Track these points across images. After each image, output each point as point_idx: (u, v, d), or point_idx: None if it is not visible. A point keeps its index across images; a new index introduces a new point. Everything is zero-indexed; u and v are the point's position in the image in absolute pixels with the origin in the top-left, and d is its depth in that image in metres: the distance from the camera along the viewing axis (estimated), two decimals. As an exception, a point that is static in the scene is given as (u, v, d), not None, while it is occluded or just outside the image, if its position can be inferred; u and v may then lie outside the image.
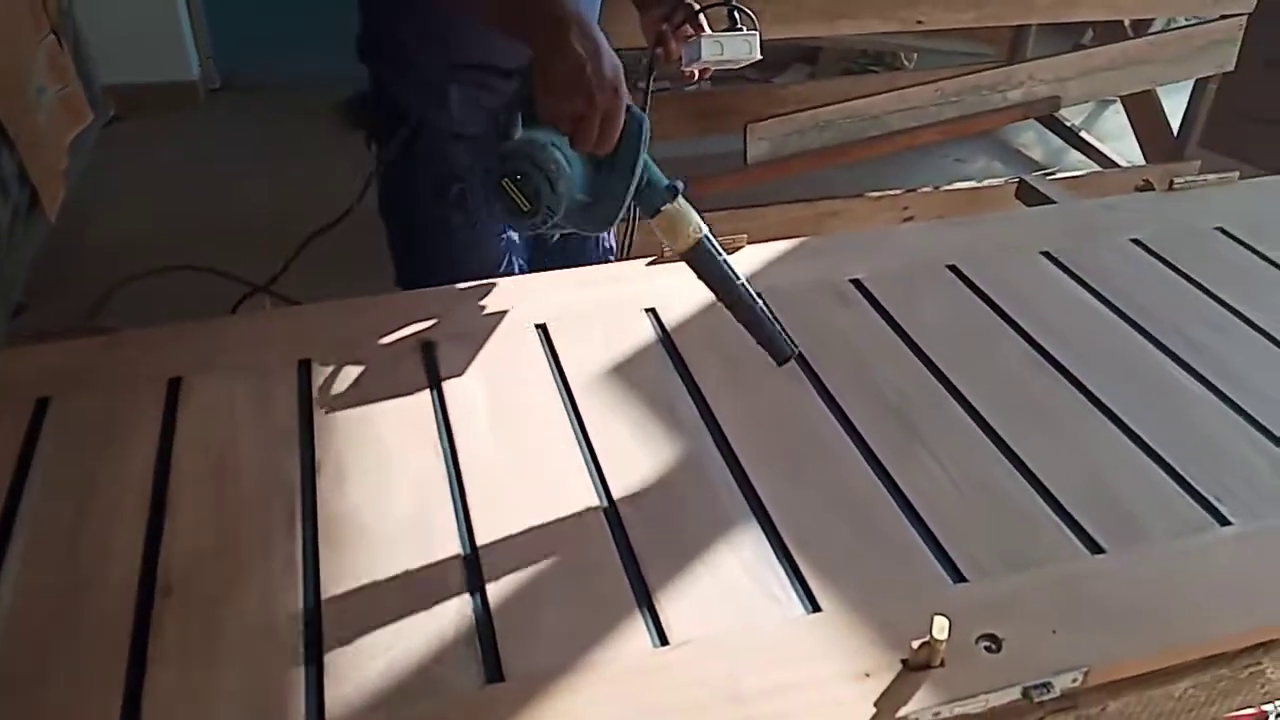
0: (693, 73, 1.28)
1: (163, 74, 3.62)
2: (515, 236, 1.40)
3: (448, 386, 1.05)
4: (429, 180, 1.31)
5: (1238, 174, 1.51)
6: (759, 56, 1.25)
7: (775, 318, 0.98)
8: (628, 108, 0.96)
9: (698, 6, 1.25)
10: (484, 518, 0.89)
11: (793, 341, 0.97)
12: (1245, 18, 2.59)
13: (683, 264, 1.08)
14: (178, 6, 3.56)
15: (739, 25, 1.24)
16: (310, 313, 1.18)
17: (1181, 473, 0.96)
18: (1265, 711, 1.62)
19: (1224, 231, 1.36)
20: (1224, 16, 2.59)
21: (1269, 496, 0.94)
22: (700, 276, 1.00)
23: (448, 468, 0.94)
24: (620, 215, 0.99)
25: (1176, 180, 1.46)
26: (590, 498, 0.92)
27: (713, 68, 1.26)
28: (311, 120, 3.52)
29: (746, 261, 1.28)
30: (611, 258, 1.49)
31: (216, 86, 3.79)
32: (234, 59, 3.87)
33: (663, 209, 0.99)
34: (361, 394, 1.03)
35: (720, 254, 0.99)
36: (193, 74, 3.70)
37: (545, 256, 1.42)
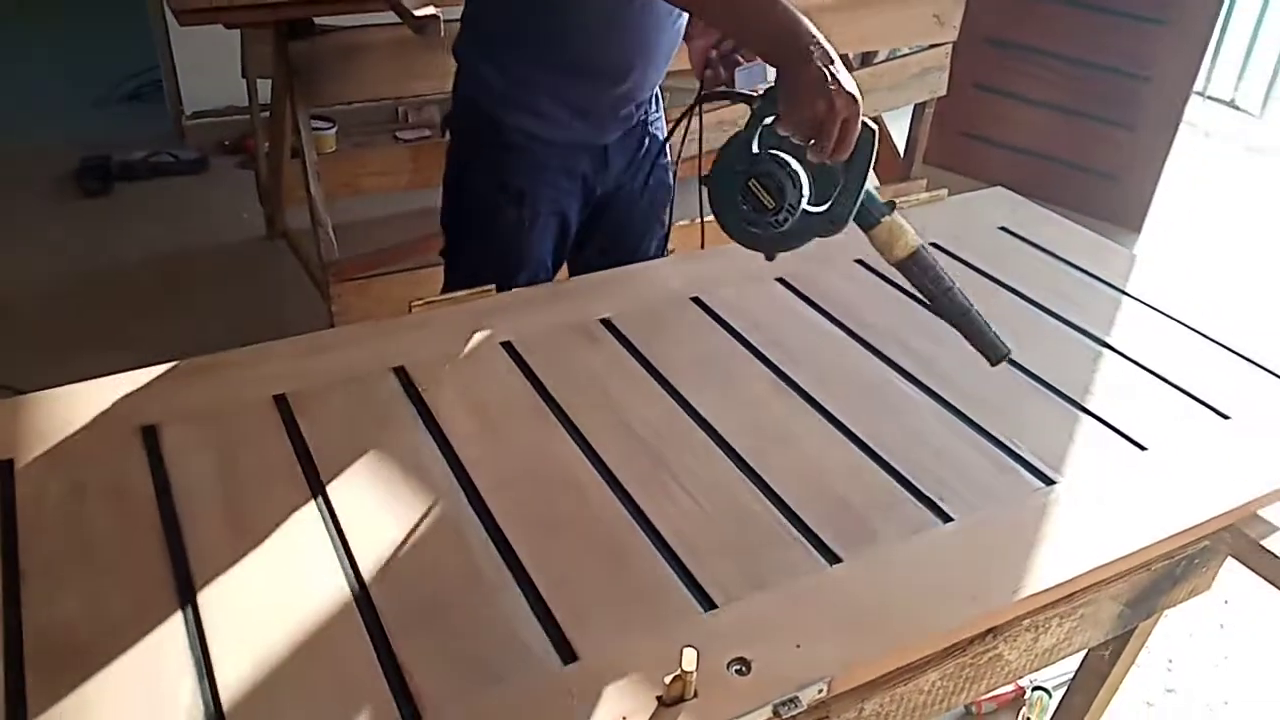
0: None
1: None
2: (551, 247, 1.56)
3: (174, 473, 0.98)
4: (494, 174, 1.48)
5: (946, 192, 1.64)
6: None
7: (987, 321, 1.05)
8: (861, 120, 1.02)
9: None
10: (217, 614, 0.83)
11: (1003, 341, 1.04)
12: (950, 46, 2.85)
13: (429, 317, 1.16)
14: None
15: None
16: (10, 407, 1.08)
17: (908, 476, 1.03)
18: (1023, 687, 1.75)
19: (936, 245, 1.47)
20: (932, 46, 2.84)
21: (984, 489, 1.02)
22: (915, 285, 1.06)
23: (175, 564, 0.88)
24: (848, 221, 1.05)
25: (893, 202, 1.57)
26: (335, 577, 0.88)
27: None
28: (31, 195, 3.29)
29: (496, 307, 1.28)
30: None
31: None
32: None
33: (881, 220, 1.05)
34: (73, 490, 0.95)
35: (936, 263, 1.05)
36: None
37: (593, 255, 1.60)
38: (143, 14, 3.58)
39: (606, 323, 1.26)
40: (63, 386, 1.09)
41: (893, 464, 1.04)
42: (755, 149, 1.04)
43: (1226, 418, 1.15)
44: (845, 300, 1.32)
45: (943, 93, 2.93)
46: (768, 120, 1.05)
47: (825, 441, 1.08)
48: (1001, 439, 1.08)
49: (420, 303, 1.27)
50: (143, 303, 2.79)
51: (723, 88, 1.33)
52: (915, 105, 2.98)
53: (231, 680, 0.78)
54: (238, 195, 3.28)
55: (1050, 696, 1.72)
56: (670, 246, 1.69)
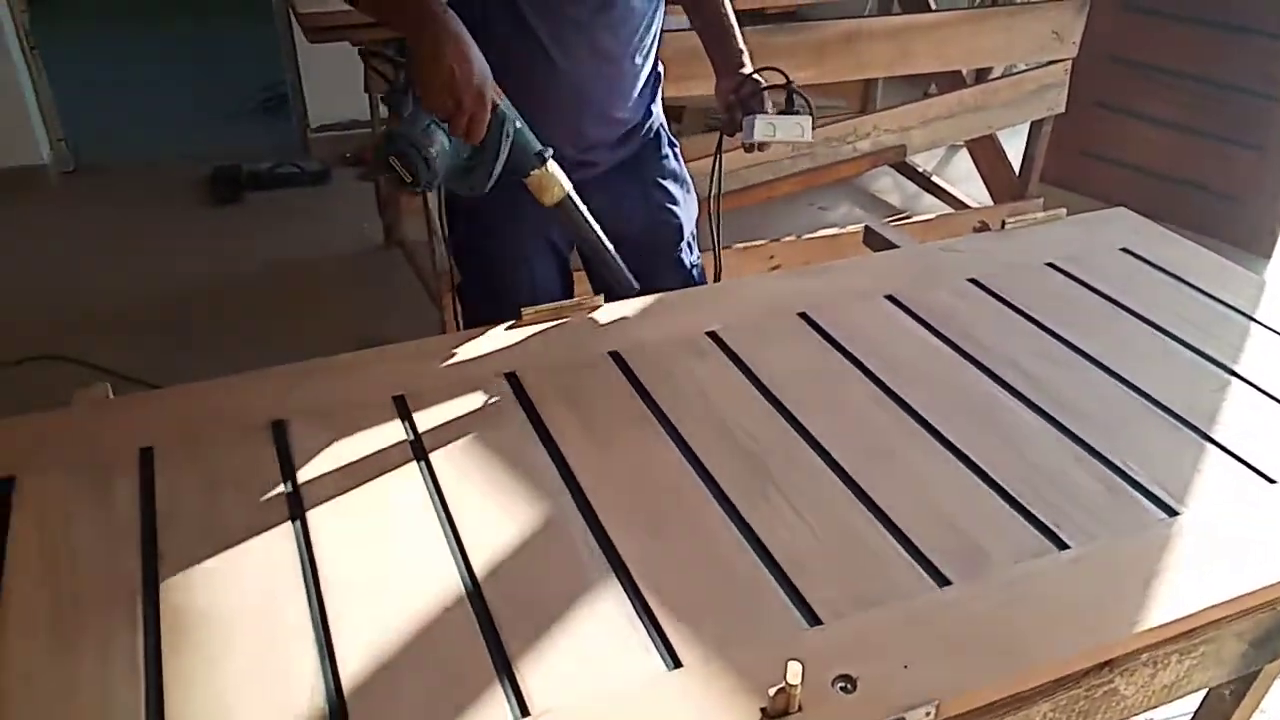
0: (751, 145, 1.43)
1: (8, 159, 3.49)
2: (552, 272, 1.54)
3: (300, 466, 1.02)
4: (467, 207, 1.48)
5: (1064, 211, 1.60)
6: (811, 140, 1.43)
7: (621, 263, 1.29)
8: (494, 105, 1.13)
9: (764, 84, 1.40)
10: (338, 600, 0.87)
11: (631, 280, 1.31)
12: (1070, 63, 2.78)
13: (543, 326, 1.27)
14: (23, 89, 3.46)
15: (795, 108, 1.40)
16: (150, 400, 1.14)
17: (1021, 501, 1.00)
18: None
19: (1053, 266, 1.44)
20: (1051, 63, 2.77)
21: (1102, 517, 0.99)
22: (565, 225, 1.28)
23: (300, 552, 0.92)
24: (491, 182, 1.19)
25: (1008, 220, 1.54)
26: (449, 570, 0.91)
27: (770, 144, 1.42)
28: (167, 202, 3.48)
29: (603, 318, 1.30)
30: (696, 275, 1.66)
31: (70, 169, 3.67)
32: (90, 140, 3.77)
33: (532, 172, 1.20)
34: (207, 479, 1.00)
35: (581, 208, 1.25)
36: (43, 158, 3.58)
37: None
38: (272, 31, 3.75)
39: (713, 335, 1.27)
40: (197, 383, 1.15)
41: (1005, 486, 1.02)
42: (405, 114, 1.12)
43: (1365, 453, 1.09)
44: (956, 318, 1.30)
45: (1061, 110, 2.85)
46: None
47: (933, 461, 1.07)
48: (1121, 466, 1.05)
49: (532, 311, 1.29)
50: (268, 305, 2.92)
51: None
52: (1032, 122, 2.91)
53: (351, 661, 0.81)
54: (358, 206, 3.40)
55: (1165, 737, 1.65)
56: (776, 262, 1.69)
